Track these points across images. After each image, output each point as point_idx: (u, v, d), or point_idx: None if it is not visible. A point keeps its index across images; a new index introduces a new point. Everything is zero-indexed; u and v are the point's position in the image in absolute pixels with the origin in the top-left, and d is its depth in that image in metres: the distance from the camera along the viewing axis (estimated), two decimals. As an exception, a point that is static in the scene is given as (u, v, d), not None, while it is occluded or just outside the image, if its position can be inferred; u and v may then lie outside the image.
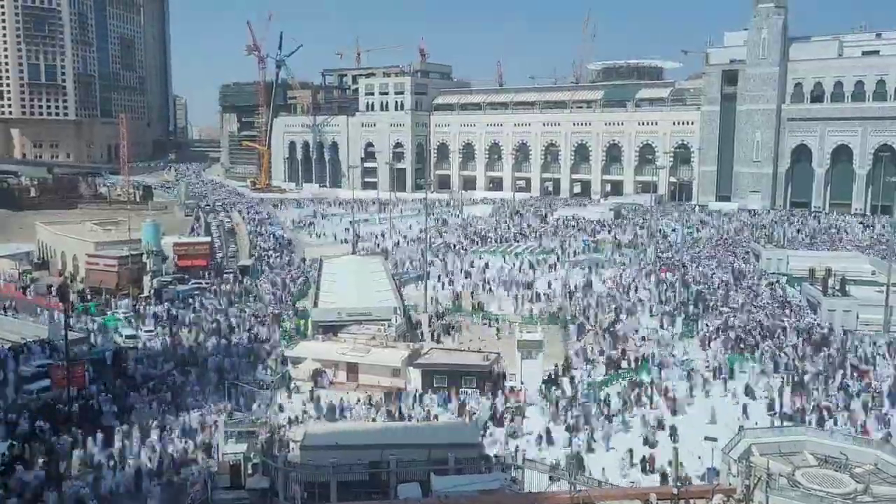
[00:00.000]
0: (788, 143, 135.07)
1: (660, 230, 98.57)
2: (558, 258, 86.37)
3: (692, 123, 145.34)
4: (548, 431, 38.40)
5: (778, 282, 72.65)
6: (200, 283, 72.07)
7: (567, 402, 41.94)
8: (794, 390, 43.39)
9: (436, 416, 41.36)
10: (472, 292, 69.92)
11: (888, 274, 57.82)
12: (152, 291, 68.39)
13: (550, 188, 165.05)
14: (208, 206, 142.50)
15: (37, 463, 33.19)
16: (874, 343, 52.75)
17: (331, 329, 54.12)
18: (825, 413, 40.08)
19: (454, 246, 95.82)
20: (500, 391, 43.95)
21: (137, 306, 64.17)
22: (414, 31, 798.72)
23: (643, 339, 54.47)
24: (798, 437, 26.75)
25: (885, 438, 34.36)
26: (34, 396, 41.94)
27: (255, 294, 69.32)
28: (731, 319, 58.39)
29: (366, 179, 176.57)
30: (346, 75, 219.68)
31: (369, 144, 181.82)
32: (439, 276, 75.83)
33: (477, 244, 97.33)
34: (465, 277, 77.19)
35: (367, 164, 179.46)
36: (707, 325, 57.34)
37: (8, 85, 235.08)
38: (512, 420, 40.13)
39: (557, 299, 66.29)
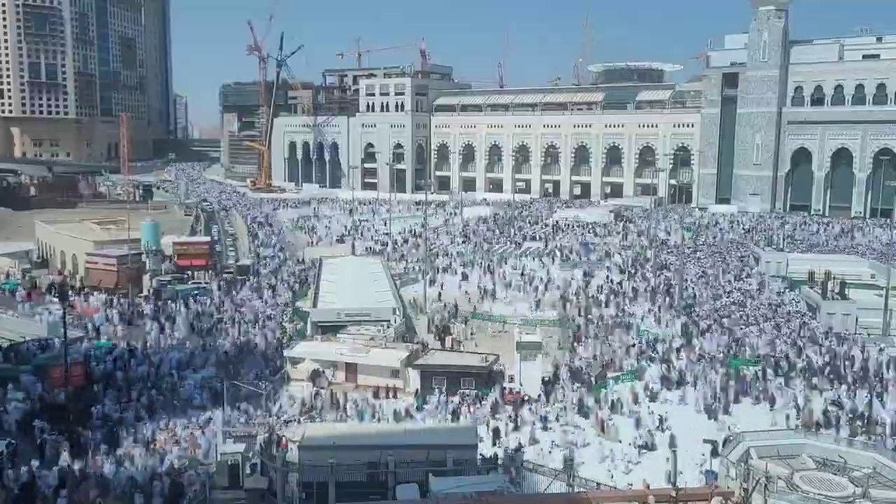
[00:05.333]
0: (788, 146, 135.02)
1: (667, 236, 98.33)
2: (555, 260, 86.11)
3: (692, 126, 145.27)
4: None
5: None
6: (200, 283, 71.92)
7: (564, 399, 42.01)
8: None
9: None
10: (472, 293, 69.81)
11: (888, 277, 57.84)
12: (151, 291, 68.33)
13: (550, 190, 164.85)
14: (209, 204, 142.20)
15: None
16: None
17: (330, 329, 54.08)
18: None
19: (456, 246, 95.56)
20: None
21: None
22: (415, 33, 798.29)
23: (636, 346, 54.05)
24: (797, 440, 26.69)
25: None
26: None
27: (254, 293, 69.16)
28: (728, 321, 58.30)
29: (366, 180, 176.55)
30: (346, 76, 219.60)
31: (369, 145, 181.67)
32: (441, 277, 75.66)
33: (479, 245, 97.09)
34: (465, 279, 77.03)
35: (367, 165, 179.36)
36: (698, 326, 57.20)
37: (9, 83, 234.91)
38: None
39: (558, 301, 66.21)
